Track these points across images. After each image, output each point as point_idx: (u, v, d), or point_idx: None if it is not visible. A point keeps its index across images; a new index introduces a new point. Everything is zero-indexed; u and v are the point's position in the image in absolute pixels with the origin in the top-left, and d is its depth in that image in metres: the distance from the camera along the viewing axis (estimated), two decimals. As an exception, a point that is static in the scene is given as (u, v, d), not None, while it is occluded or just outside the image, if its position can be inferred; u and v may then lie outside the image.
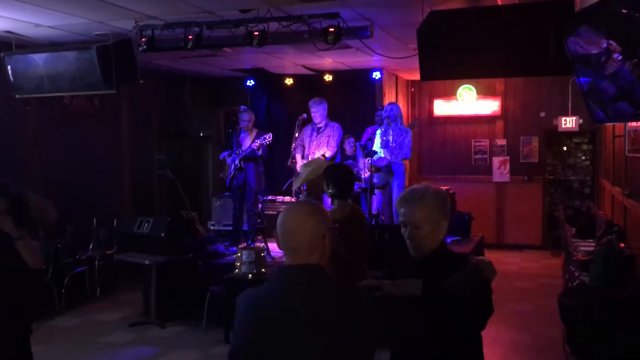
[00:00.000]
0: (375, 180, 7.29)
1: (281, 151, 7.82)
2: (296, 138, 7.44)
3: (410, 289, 2.09)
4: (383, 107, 8.61)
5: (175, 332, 6.45)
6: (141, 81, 6.59)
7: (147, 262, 6.65)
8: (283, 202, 8.46)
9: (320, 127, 7.39)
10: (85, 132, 8.52)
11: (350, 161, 8.76)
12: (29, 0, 5.42)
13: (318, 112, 7.30)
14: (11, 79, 6.47)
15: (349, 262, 3.53)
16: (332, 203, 4.12)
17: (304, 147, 7.30)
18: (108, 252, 7.81)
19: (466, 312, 2.18)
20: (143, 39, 6.21)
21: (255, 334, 1.95)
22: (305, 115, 7.79)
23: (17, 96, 6.62)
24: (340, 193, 4.03)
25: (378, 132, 7.65)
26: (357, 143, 8.37)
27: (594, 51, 3.71)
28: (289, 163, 7.68)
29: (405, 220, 2.34)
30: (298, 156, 7.50)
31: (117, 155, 9.27)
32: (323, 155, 7.33)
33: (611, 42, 3.46)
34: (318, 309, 1.86)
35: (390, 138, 7.52)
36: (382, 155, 7.43)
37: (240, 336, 2.01)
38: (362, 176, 8.31)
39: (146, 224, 7.00)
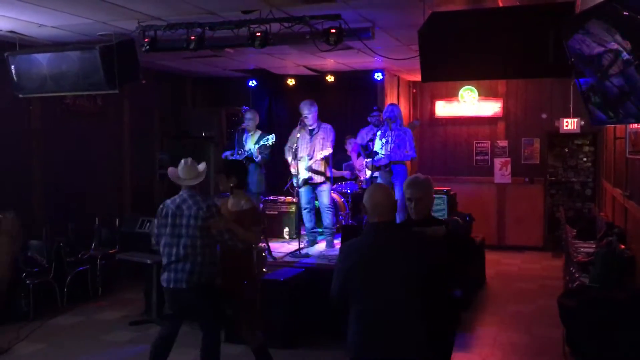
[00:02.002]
0: (374, 180, 7.31)
1: (282, 152, 7.82)
2: (295, 140, 7.45)
3: (437, 231, 3.38)
4: (378, 108, 8.63)
5: (176, 331, 6.47)
6: (143, 81, 6.63)
7: (148, 261, 6.67)
8: (284, 202, 8.48)
9: (313, 129, 7.40)
10: (88, 131, 8.55)
11: (351, 162, 8.79)
12: (33, 0, 5.45)
13: (311, 114, 7.31)
14: (15, 78, 6.50)
15: (239, 248, 4.43)
16: (232, 194, 4.62)
17: (295, 150, 7.29)
18: (110, 251, 7.83)
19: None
20: (146, 40, 6.24)
21: (358, 263, 3.07)
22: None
23: (20, 96, 6.65)
24: (240, 185, 4.65)
25: (379, 133, 7.66)
26: (359, 143, 8.39)
27: (598, 51, 3.73)
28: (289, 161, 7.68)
29: (411, 197, 3.55)
30: (289, 158, 7.51)
31: (119, 154, 9.31)
32: (322, 160, 7.34)
33: (620, 39, 3.47)
34: (397, 244, 3.13)
35: (390, 139, 7.53)
36: (382, 155, 7.45)
37: (345, 269, 3.10)
38: (361, 177, 8.34)
39: (148, 224, 7.04)
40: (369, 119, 8.45)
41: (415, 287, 3.02)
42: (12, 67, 6.47)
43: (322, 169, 7.39)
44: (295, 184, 7.47)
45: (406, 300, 3.02)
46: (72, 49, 6.25)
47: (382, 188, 3.42)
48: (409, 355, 3.01)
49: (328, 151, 7.28)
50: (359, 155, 8.58)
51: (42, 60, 6.32)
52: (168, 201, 4.46)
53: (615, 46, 3.57)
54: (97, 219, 8.15)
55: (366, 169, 7.67)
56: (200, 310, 4.39)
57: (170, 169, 4.60)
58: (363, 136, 8.42)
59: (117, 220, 8.20)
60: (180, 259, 4.27)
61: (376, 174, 7.37)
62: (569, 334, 5.27)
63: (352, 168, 8.78)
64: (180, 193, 4.48)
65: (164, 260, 4.37)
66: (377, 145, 7.56)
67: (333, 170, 8.09)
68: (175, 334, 4.51)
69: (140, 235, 6.97)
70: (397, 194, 7.59)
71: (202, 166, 4.63)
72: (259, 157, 7.41)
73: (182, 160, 4.57)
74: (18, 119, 7.47)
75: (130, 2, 5.60)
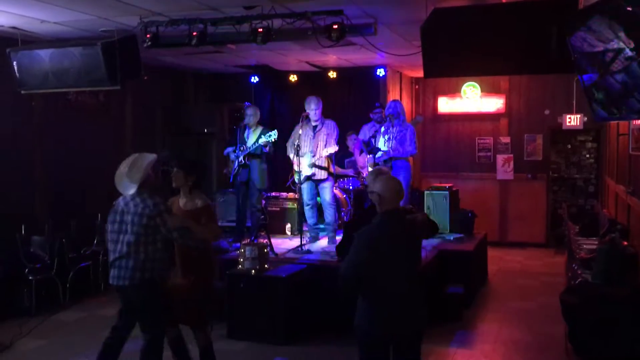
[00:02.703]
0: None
1: (284, 148, 7.82)
2: (297, 136, 7.44)
3: (419, 216, 3.84)
4: (381, 104, 8.61)
5: (178, 327, 6.47)
6: (145, 77, 6.62)
7: (150, 257, 6.67)
8: (286, 199, 8.48)
9: (317, 126, 7.39)
10: (90, 127, 8.55)
11: (353, 158, 8.78)
12: (35, -4, 5.45)
13: (318, 109, 7.30)
14: (17, 74, 6.50)
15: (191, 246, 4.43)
16: (190, 193, 4.61)
17: (297, 147, 7.28)
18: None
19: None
20: (148, 35, 6.23)
21: (376, 247, 3.41)
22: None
23: (22, 92, 6.65)
24: (197, 184, 4.65)
25: (382, 129, 7.65)
26: (361, 140, 8.37)
27: (600, 48, 3.71)
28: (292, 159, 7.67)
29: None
30: (291, 155, 7.50)
31: (121, 150, 9.28)
32: (326, 156, 7.33)
33: (623, 35, 3.45)
34: (408, 227, 3.59)
35: (392, 135, 7.53)
36: (384, 151, 7.45)
37: (364, 250, 3.40)
38: (364, 174, 8.32)
39: (150, 220, 7.02)
40: (371, 115, 8.44)
41: (418, 267, 3.73)
42: (14, 63, 6.47)
43: (325, 164, 7.38)
44: (297, 180, 7.46)
45: (417, 280, 3.64)
46: (74, 45, 6.24)
47: (395, 178, 3.79)
48: (422, 325, 3.72)
49: (334, 149, 7.27)
50: (361, 152, 8.57)
51: (44, 56, 6.32)
52: (120, 199, 4.49)
53: (617, 43, 3.55)
54: (99, 215, 8.16)
55: (368, 166, 7.66)
56: (140, 308, 4.36)
57: (117, 178, 4.62)
58: (365, 132, 8.41)
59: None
60: (123, 255, 4.25)
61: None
62: (572, 331, 5.26)
63: (354, 164, 8.77)
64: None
65: (110, 257, 4.38)
66: (380, 142, 7.55)
67: (336, 168, 8.09)
68: (126, 329, 4.46)
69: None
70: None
71: (146, 161, 4.58)
72: (267, 147, 7.37)
73: (126, 160, 4.60)
74: (20, 114, 7.47)
75: (132, -2, 5.60)
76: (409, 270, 3.55)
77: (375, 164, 7.23)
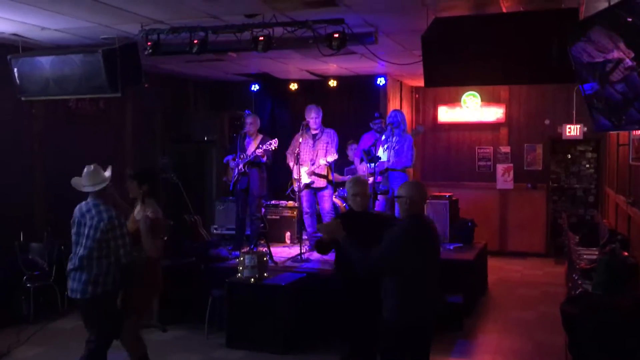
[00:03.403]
0: (379, 187, 7.29)
1: (285, 156, 7.82)
2: (297, 144, 7.44)
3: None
4: (380, 115, 8.61)
5: (176, 335, 6.45)
6: (146, 85, 6.62)
7: (149, 265, 6.65)
8: (286, 207, 8.47)
9: (316, 134, 7.39)
10: (90, 134, 8.55)
11: (353, 167, 8.77)
12: (36, 3, 5.46)
13: (319, 117, 7.31)
14: (17, 81, 6.50)
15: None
16: (143, 202, 4.59)
17: (297, 155, 7.28)
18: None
19: None
20: (149, 43, 6.24)
21: (406, 244, 3.85)
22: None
23: (22, 98, 6.65)
24: (151, 193, 4.65)
25: (382, 138, 7.64)
26: (361, 149, 8.36)
27: (600, 59, 3.72)
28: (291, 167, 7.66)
29: (356, 193, 4.39)
30: (291, 163, 7.50)
31: (122, 158, 9.30)
32: (325, 165, 7.32)
33: (623, 46, 3.46)
34: (432, 228, 4.13)
35: (391, 145, 7.50)
36: (380, 162, 7.43)
37: (396, 245, 3.86)
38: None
39: (149, 227, 7.01)
40: (370, 124, 8.44)
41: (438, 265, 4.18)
42: (15, 69, 6.48)
43: (324, 172, 7.38)
44: (296, 189, 7.46)
45: (437, 276, 4.11)
46: (75, 52, 6.25)
47: (422, 184, 4.43)
48: (434, 318, 4.10)
49: (333, 157, 7.27)
50: (361, 160, 8.56)
51: (45, 63, 6.33)
52: (77, 207, 4.46)
53: (617, 54, 3.56)
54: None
55: (367, 175, 7.65)
56: (90, 322, 4.39)
57: (74, 179, 4.53)
58: (365, 141, 8.41)
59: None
60: (77, 268, 4.26)
61: (378, 179, 7.34)
62: (572, 341, 5.23)
63: (353, 173, 8.76)
64: (87, 200, 4.45)
65: (67, 266, 4.38)
66: (380, 151, 7.54)
67: (336, 175, 8.09)
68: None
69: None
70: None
71: (107, 172, 4.57)
72: (265, 157, 7.38)
73: (86, 167, 4.54)
74: (20, 121, 7.47)
75: (134, 6, 5.60)
76: (430, 267, 4.00)
77: (372, 174, 7.20)
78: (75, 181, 4.48)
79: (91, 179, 4.43)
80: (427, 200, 8.37)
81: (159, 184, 5.04)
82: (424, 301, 3.95)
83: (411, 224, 3.95)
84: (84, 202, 4.45)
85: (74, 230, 4.38)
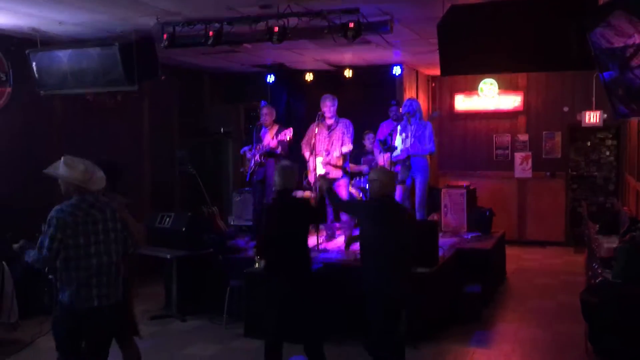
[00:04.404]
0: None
1: (300, 147, 7.82)
2: (312, 135, 7.44)
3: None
4: (397, 101, 8.56)
5: (196, 325, 6.52)
6: (163, 77, 6.66)
7: (168, 256, 6.73)
8: (302, 197, 8.46)
9: (331, 125, 7.38)
10: (108, 127, 8.62)
11: (369, 156, 8.75)
12: (53, -3, 5.51)
13: (334, 106, 7.30)
14: (36, 75, 6.58)
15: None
16: (104, 196, 4.11)
17: (313, 146, 7.28)
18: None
19: None
20: (164, 36, 6.27)
21: (373, 217, 4.54)
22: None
23: (42, 92, 6.73)
24: (111, 187, 4.45)
25: (398, 127, 7.61)
26: (377, 138, 8.34)
27: (620, 44, 3.66)
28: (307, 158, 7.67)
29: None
30: (307, 154, 7.50)
31: (139, 150, 9.38)
32: (340, 155, 7.31)
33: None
34: (397, 205, 4.86)
35: (410, 133, 7.48)
36: (401, 149, 7.41)
37: (365, 220, 4.63)
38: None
39: (167, 219, 7.09)
40: (390, 113, 8.41)
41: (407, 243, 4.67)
42: (34, 64, 6.55)
43: (340, 163, 7.37)
44: (311, 180, 7.46)
45: (405, 252, 4.59)
46: (92, 46, 6.31)
47: (390, 170, 5.08)
48: (405, 295, 4.62)
49: (348, 147, 7.26)
50: (380, 151, 8.55)
51: (63, 57, 6.39)
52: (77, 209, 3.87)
53: (638, 38, 3.50)
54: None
55: (386, 165, 7.63)
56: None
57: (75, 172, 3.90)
58: (383, 130, 8.37)
59: (137, 215, 8.26)
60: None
61: (397, 168, 7.32)
62: (592, 331, 5.19)
63: (370, 162, 8.74)
64: (89, 199, 3.88)
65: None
66: (397, 140, 7.51)
67: (351, 165, 8.07)
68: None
69: (160, 230, 7.02)
70: (418, 187, 7.55)
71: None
72: (279, 148, 7.40)
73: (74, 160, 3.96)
74: (41, 115, 7.56)
75: (149, -1, 5.63)
76: (400, 244, 4.49)
77: (392, 163, 7.18)
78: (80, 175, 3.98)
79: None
80: (445, 190, 8.42)
81: (117, 176, 4.83)
82: (395, 274, 4.44)
83: (383, 204, 4.56)
84: (83, 203, 3.99)
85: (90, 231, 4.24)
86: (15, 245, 4.01)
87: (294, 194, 4.97)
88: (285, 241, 4.61)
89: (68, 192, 3.91)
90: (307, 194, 5.90)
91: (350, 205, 5.08)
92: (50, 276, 3.92)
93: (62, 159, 3.93)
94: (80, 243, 3.74)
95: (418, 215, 7.53)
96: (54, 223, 3.71)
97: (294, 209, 4.74)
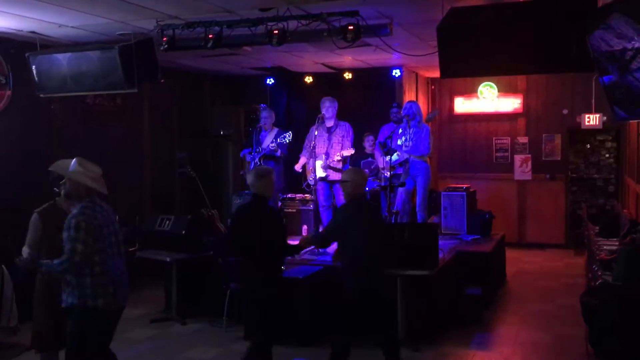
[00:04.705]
0: (394, 179, 7.27)
1: (301, 149, 7.83)
2: (312, 137, 7.44)
3: None
4: (398, 104, 8.56)
5: (195, 328, 6.51)
6: (162, 80, 6.66)
7: (168, 259, 6.72)
8: (302, 200, 8.47)
9: (330, 127, 7.38)
10: (108, 130, 8.62)
11: (369, 159, 8.75)
12: (53, 1, 5.50)
13: (332, 107, 7.30)
14: (36, 78, 6.58)
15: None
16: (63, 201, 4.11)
17: (313, 148, 7.28)
18: (130, 249, 7.88)
19: None
20: (164, 39, 6.27)
21: (348, 219, 4.65)
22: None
23: (41, 95, 6.73)
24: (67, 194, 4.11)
25: (399, 131, 7.62)
26: (377, 141, 8.34)
27: (620, 46, 3.66)
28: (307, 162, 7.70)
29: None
30: (303, 158, 7.50)
31: (139, 153, 9.38)
32: (341, 159, 7.31)
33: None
34: (370, 205, 5.42)
35: (409, 136, 7.48)
36: (400, 152, 7.41)
37: (343, 221, 4.69)
38: (384, 174, 8.29)
39: (167, 222, 7.08)
40: (391, 116, 8.42)
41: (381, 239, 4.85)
42: (33, 67, 6.55)
43: (340, 166, 7.37)
44: (310, 182, 7.46)
45: (380, 250, 4.74)
46: (92, 49, 6.30)
47: (362, 170, 5.31)
48: (384, 288, 4.80)
49: (350, 152, 7.27)
50: (382, 153, 8.55)
51: (63, 60, 6.39)
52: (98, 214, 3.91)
53: (637, 43, 3.50)
54: (117, 217, 8.22)
55: (386, 167, 7.63)
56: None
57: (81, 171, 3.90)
58: (384, 133, 8.39)
59: (137, 218, 8.26)
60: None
61: (399, 171, 7.33)
62: (592, 333, 5.19)
63: (369, 165, 8.75)
64: (97, 202, 3.93)
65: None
66: (398, 143, 7.51)
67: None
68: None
69: (160, 233, 7.01)
70: (419, 191, 7.55)
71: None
72: (279, 151, 7.41)
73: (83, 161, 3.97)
74: (40, 118, 7.56)
75: (149, 2, 5.63)
76: (373, 241, 4.65)
77: (392, 166, 7.18)
78: (93, 175, 4.03)
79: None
80: (445, 192, 8.42)
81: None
82: (369, 269, 4.58)
83: (355, 203, 4.72)
84: (96, 206, 4.03)
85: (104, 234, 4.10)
86: (20, 264, 3.89)
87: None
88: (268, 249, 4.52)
89: (77, 192, 3.89)
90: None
91: (332, 227, 4.79)
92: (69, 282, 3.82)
93: (75, 159, 3.94)
94: (106, 245, 3.79)
95: (419, 217, 7.53)
96: (83, 227, 3.70)
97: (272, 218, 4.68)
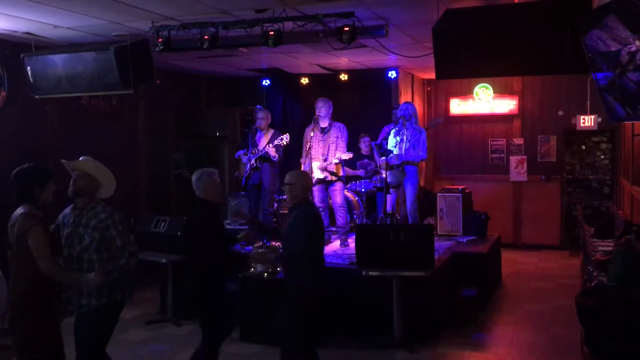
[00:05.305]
0: (390, 180, 7.28)
1: (296, 150, 7.83)
2: (308, 138, 7.44)
3: None
4: (399, 105, 8.57)
5: (191, 330, 6.48)
6: (158, 81, 6.65)
7: (163, 260, 6.70)
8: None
9: (325, 128, 7.39)
10: (103, 132, 8.61)
11: (365, 160, 8.75)
12: (48, 2, 5.49)
13: (325, 107, 7.31)
14: (31, 79, 6.55)
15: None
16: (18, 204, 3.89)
17: (309, 150, 7.28)
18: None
19: None
20: (160, 40, 6.26)
21: (312, 222, 4.49)
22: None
23: (36, 97, 6.71)
24: (33, 197, 4.03)
25: (392, 131, 7.62)
26: (373, 142, 8.35)
27: (615, 47, 3.67)
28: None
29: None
30: (303, 158, 7.50)
31: (135, 154, 9.36)
32: (339, 162, 7.31)
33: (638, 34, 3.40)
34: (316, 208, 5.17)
35: (405, 137, 7.49)
36: (396, 154, 7.41)
37: (314, 228, 4.51)
38: (382, 175, 8.29)
39: (163, 223, 7.07)
40: (392, 117, 8.43)
41: None
42: (28, 68, 6.53)
43: (335, 168, 7.37)
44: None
45: None
46: (87, 50, 6.29)
47: (305, 172, 5.20)
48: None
49: (348, 155, 7.27)
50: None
51: (58, 61, 6.37)
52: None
53: (633, 42, 3.51)
54: (131, 218, 8.20)
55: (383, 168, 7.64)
56: None
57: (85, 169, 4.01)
58: (384, 135, 8.40)
59: (133, 219, 8.23)
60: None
61: (389, 172, 7.32)
62: (588, 334, 5.19)
63: (365, 166, 8.76)
64: (103, 204, 3.96)
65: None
66: (391, 143, 7.52)
67: (347, 169, 8.07)
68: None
69: (156, 234, 6.99)
70: (409, 194, 7.56)
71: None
72: (276, 156, 7.41)
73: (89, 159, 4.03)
74: (34, 119, 7.54)
75: (144, 3, 5.62)
76: (322, 243, 4.75)
77: (387, 166, 7.18)
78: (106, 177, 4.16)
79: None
80: (440, 194, 8.44)
81: (25, 183, 4.17)
82: (321, 272, 4.55)
83: (311, 206, 4.77)
84: (107, 206, 4.05)
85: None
86: (94, 282, 3.79)
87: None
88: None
89: (90, 190, 3.98)
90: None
91: (294, 233, 4.46)
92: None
93: (90, 158, 4.08)
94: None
95: (410, 221, 7.55)
96: (122, 221, 3.92)
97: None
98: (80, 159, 4.07)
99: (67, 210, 4.10)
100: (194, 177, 4.70)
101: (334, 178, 7.38)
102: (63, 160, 4.10)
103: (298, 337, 4.40)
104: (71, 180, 4.03)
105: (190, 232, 4.61)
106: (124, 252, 3.88)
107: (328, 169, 7.31)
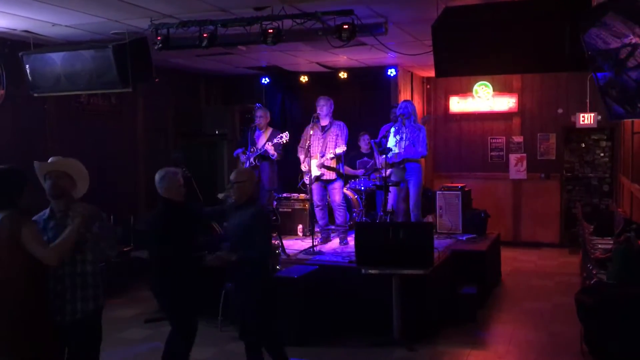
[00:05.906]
0: (390, 178, 7.27)
1: (296, 149, 7.82)
2: (308, 137, 7.44)
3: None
4: (398, 104, 8.56)
5: (190, 328, 6.48)
6: (157, 79, 6.64)
7: (162, 259, 6.68)
8: (297, 199, 8.47)
9: (325, 126, 7.38)
10: (102, 130, 8.60)
11: (365, 158, 8.75)
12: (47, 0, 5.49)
13: (326, 106, 7.30)
14: (29, 77, 6.54)
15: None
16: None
17: (308, 148, 7.28)
18: (124, 249, 7.87)
19: None
20: (158, 38, 6.25)
21: (265, 220, 4.70)
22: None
23: (35, 95, 6.70)
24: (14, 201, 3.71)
25: (392, 129, 7.61)
26: (372, 140, 8.34)
27: (615, 45, 3.66)
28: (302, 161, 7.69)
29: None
30: (301, 156, 7.50)
31: (134, 152, 9.35)
32: (334, 157, 7.31)
33: (638, 31, 3.40)
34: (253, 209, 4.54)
35: (404, 135, 7.48)
36: (396, 152, 7.40)
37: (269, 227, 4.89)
38: (382, 173, 8.29)
39: (162, 222, 7.04)
40: (391, 116, 8.42)
41: None
42: (27, 66, 6.52)
43: (333, 164, 7.36)
44: (306, 182, 7.45)
45: None
46: (86, 48, 6.28)
47: (250, 170, 5.27)
48: None
49: (342, 149, 7.25)
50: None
51: (56, 59, 6.36)
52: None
53: (633, 39, 3.50)
54: (111, 217, 8.19)
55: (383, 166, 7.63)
56: None
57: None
58: (383, 133, 8.39)
59: (132, 218, 8.24)
60: None
61: (389, 171, 7.32)
62: (587, 332, 5.20)
63: (365, 165, 8.75)
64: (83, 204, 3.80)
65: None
66: (391, 142, 7.51)
67: (346, 168, 8.06)
68: None
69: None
70: (412, 191, 7.55)
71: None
72: (275, 154, 7.41)
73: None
74: (34, 118, 7.52)
75: (143, 0, 5.61)
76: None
77: (386, 164, 7.18)
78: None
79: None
80: (440, 192, 8.44)
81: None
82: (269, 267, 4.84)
83: (262, 205, 4.85)
84: (87, 204, 3.97)
85: None
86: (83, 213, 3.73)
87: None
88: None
89: (71, 190, 3.91)
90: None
91: (253, 232, 4.43)
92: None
93: (62, 158, 3.95)
94: None
95: (412, 217, 7.54)
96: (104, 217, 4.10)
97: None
98: (50, 159, 3.80)
99: (43, 216, 3.83)
100: (157, 177, 4.71)
101: (332, 175, 7.37)
102: (35, 162, 3.81)
103: (264, 329, 4.64)
104: (49, 183, 3.76)
105: (152, 231, 4.67)
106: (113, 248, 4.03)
107: (325, 165, 7.30)
